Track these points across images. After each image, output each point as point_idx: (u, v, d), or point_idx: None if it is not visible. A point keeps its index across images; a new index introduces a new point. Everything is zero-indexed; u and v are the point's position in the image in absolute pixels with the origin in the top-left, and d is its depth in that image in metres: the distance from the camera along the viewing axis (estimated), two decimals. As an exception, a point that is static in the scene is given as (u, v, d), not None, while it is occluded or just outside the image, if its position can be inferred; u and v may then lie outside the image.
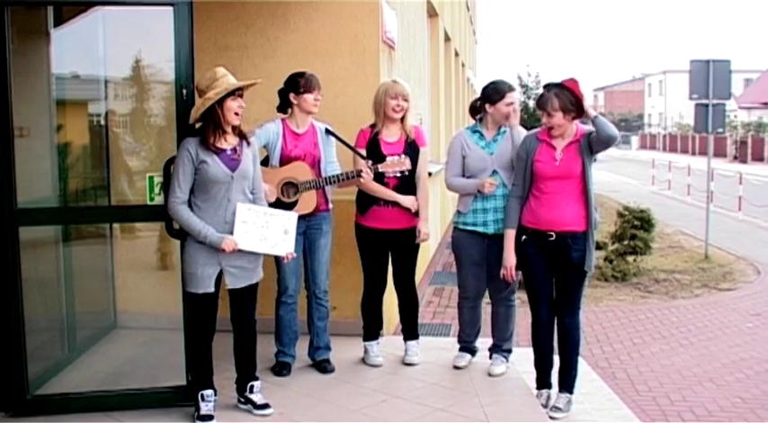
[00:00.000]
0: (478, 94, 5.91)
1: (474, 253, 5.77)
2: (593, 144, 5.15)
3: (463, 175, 5.75)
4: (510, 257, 5.38)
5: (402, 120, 5.82)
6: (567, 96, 5.09)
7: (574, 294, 5.33)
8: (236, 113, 4.77)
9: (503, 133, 5.73)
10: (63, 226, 5.86)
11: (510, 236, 5.38)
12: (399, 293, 6.06)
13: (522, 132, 5.52)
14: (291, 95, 5.67)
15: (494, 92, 5.73)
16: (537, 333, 5.50)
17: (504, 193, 5.61)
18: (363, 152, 5.77)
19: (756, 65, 62.81)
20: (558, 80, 5.20)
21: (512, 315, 5.92)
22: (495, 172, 5.63)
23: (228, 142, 4.82)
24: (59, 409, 5.03)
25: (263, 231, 4.85)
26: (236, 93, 4.76)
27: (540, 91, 5.36)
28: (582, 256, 5.17)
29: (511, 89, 5.79)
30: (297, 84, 5.65)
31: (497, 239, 5.58)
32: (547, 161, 5.20)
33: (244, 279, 4.91)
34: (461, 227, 5.79)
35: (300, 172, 5.59)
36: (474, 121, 5.91)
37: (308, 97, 5.64)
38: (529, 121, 21.54)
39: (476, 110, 5.88)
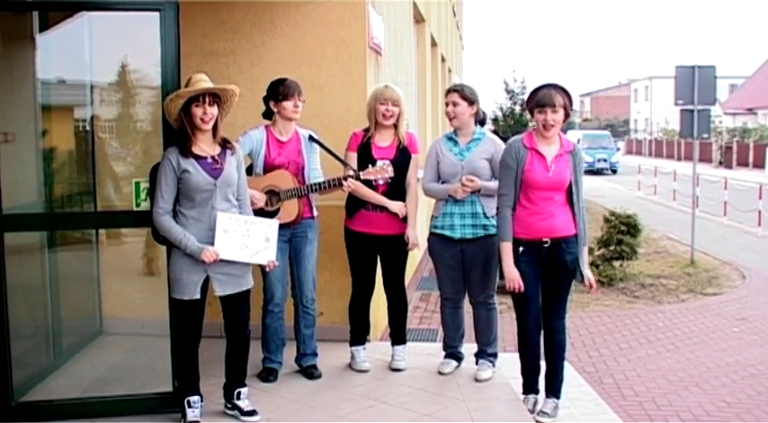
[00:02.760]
0: None
1: (447, 256, 5.82)
2: None
3: (439, 181, 5.80)
4: (511, 270, 5.18)
5: (396, 125, 5.83)
6: (566, 97, 5.12)
7: (562, 299, 5.34)
8: (203, 120, 4.72)
9: (477, 140, 5.77)
10: (48, 231, 5.84)
11: (507, 249, 5.20)
12: (389, 298, 6.06)
13: None
14: (271, 103, 5.67)
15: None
16: (524, 339, 5.50)
17: (471, 199, 5.67)
18: (354, 157, 5.78)
19: (741, 71, 62.98)
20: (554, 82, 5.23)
21: (493, 318, 5.92)
22: None
23: (206, 150, 4.79)
24: (44, 417, 4.99)
25: (245, 240, 4.83)
26: (202, 99, 4.71)
27: (526, 96, 5.35)
28: (575, 259, 5.19)
29: (448, 91, 5.87)
30: (276, 91, 5.64)
31: (468, 244, 5.69)
32: (539, 171, 5.14)
33: (232, 285, 4.89)
34: (433, 230, 5.86)
35: (282, 180, 5.57)
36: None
37: (287, 105, 5.62)
38: (515, 126, 21.56)
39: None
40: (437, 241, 5.83)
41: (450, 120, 5.80)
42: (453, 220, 5.72)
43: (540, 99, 5.17)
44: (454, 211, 5.72)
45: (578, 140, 41.97)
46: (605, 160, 42.20)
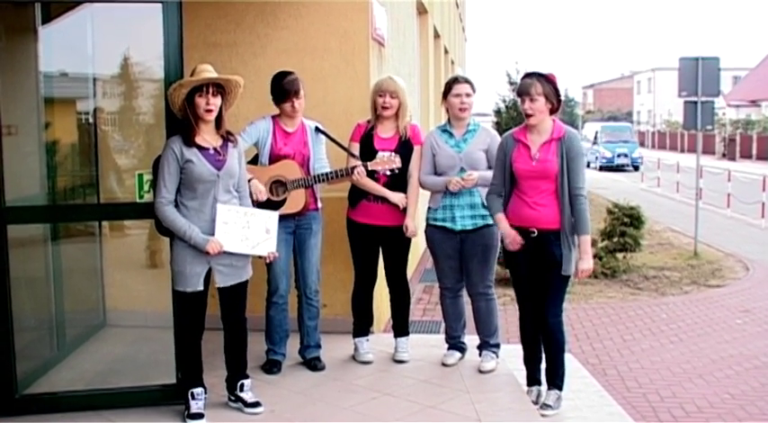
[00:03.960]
0: None
1: (446, 247, 5.82)
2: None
3: (435, 173, 5.79)
4: (509, 231, 5.26)
5: (397, 117, 5.81)
6: (549, 86, 5.14)
7: (556, 295, 5.32)
8: (207, 110, 4.72)
9: (472, 132, 5.77)
10: (52, 224, 5.83)
11: (501, 218, 5.31)
12: (391, 289, 6.06)
13: None
14: (273, 100, 5.66)
15: (445, 87, 5.84)
16: (524, 329, 5.54)
17: (470, 190, 5.68)
18: (357, 147, 5.77)
19: (744, 63, 62.91)
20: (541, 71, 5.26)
21: (493, 309, 5.92)
22: (462, 169, 5.66)
23: (208, 141, 4.79)
24: (48, 409, 5.00)
25: (245, 231, 4.82)
26: (205, 89, 4.70)
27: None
28: (562, 253, 5.19)
29: (458, 81, 5.82)
30: (274, 91, 5.62)
31: (467, 235, 5.71)
32: (523, 160, 5.21)
33: (233, 277, 4.89)
34: (431, 222, 5.85)
35: (289, 170, 5.57)
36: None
37: (285, 106, 5.61)
38: (518, 118, 21.50)
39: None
40: (437, 233, 5.83)
41: (463, 111, 5.75)
42: (454, 211, 5.71)
43: (519, 88, 5.29)
44: (453, 202, 5.71)
45: (596, 133, 39.76)
46: (626, 155, 38.02)
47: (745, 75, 61.01)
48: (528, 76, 5.26)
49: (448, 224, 5.74)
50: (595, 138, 39.61)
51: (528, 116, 5.19)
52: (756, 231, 17.38)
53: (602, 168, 36.99)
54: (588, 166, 37.37)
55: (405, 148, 5.80)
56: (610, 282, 11.69)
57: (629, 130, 41.94)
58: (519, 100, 5.31)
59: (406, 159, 5.78)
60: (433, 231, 5.86)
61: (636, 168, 36.07)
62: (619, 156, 37.72)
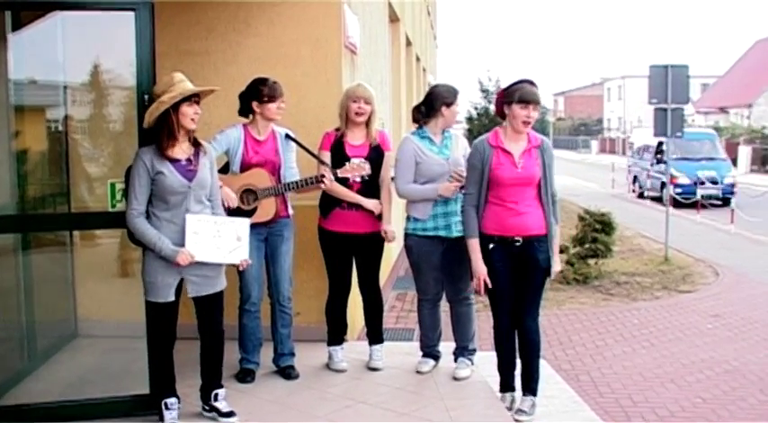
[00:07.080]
0: None
1: (435, 259, 5.77)
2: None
3: (415, 182, 5.74)
4: (480, 267, 5.22)
5: (367, 124, 5.82)
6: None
7: (536, 298, 5.35)
8: (193, 120, 4.71)
9: (449, 138, 5.78)
10: (22, 234, 5.77)
11: (475, 245, 5.24)
12: (364, 297, 6.06)
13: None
14: (254, 104, 5.63)
15: (450, 94, 5.79)
16: (500, 337, 5.52)
17: (457, 196, 5.64)
18: (328, 156, 5.76)
19: (713, 70, 63.58)
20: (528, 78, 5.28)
21: (472, 313, 5.92)
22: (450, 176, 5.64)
23: (182, 151, 4.76)
24: (19, 420, 4.94)
25: (216, 240, 4.79)
26: (193, 99, 4.70)
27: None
28: (547, 258, 5.21)
29: (456, 94, 5.85)
30: (259, 92, 5.60)
31: (457, 242, 5.62)
32: (507, 167, 5.17)
33: (206, 287, 4.86)
34: (421, 233, 5.75)
35: (259, 179, 5.55)
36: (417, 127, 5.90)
37: (271, 106, 5.61)
38: (490, 125, 21.54)
39: (422, 114, 5.84)
40: (425, 243, 5.74)
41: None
42: (448, 219, 5.67)
43: (525, 95, 5.17)
44: (446, 210, 5.68)
45: (660, 145, 23.81)
46: (714, 182, 22.92)
47: (714, 82, 61.63)
48: (527, 82, 5.24)
49: (442, 233, 5.69)
50: (658, 152, 24.30)
51: (527, 124, 5.18)
52: (725, 237, 17.56)
53: (675, 203, 19.74)
54: (642, 196, 26.23)
55: (376, 154, 5.82)
56: (581, 288, 11.76)
57: (712, 140, 25.63)
58: (521, 106, 5.15)
59: (376, 166, 5.79)
60: (420, 243, 5.77)
61: (726, 202, 21.36)
62: (704, 183, 22.87)
